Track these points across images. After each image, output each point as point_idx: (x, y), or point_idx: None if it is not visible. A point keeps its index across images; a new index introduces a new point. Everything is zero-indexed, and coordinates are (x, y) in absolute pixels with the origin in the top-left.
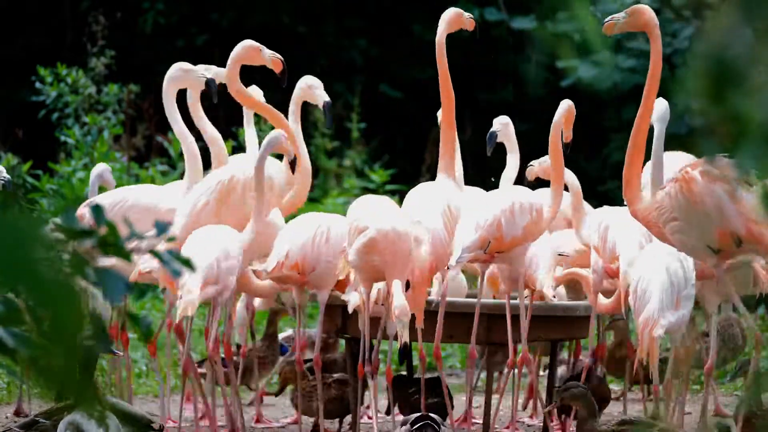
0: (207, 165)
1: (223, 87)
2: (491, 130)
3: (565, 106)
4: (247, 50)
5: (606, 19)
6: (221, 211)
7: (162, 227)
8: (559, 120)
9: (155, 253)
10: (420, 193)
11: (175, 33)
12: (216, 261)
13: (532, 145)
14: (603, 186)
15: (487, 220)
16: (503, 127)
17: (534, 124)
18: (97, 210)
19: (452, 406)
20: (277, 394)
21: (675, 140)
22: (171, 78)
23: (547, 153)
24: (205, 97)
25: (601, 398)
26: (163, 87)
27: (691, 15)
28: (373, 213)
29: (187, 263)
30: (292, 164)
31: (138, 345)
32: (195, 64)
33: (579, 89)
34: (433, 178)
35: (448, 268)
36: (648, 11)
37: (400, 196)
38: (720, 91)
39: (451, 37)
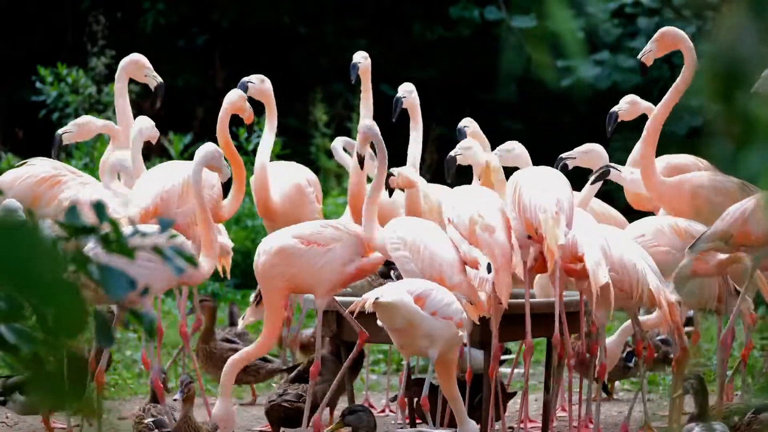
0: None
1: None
2: (396, 96)
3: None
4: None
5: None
6: (182, 197)
7: (165, 224)
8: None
9: (158, 250)
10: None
11: (175, 33)
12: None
13: (533, 144)
14: (604, 185)
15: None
16: (408, 94)
17: (533, 123)
18: (98, 207)
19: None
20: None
21: (675, 140)
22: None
23: (545, 151)
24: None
25: None
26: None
27: (691, 15)
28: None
29: (191, 260)
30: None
31: (139, 345)
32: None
33: (579, 89)
34: (433, 178)
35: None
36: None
37: None
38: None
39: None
